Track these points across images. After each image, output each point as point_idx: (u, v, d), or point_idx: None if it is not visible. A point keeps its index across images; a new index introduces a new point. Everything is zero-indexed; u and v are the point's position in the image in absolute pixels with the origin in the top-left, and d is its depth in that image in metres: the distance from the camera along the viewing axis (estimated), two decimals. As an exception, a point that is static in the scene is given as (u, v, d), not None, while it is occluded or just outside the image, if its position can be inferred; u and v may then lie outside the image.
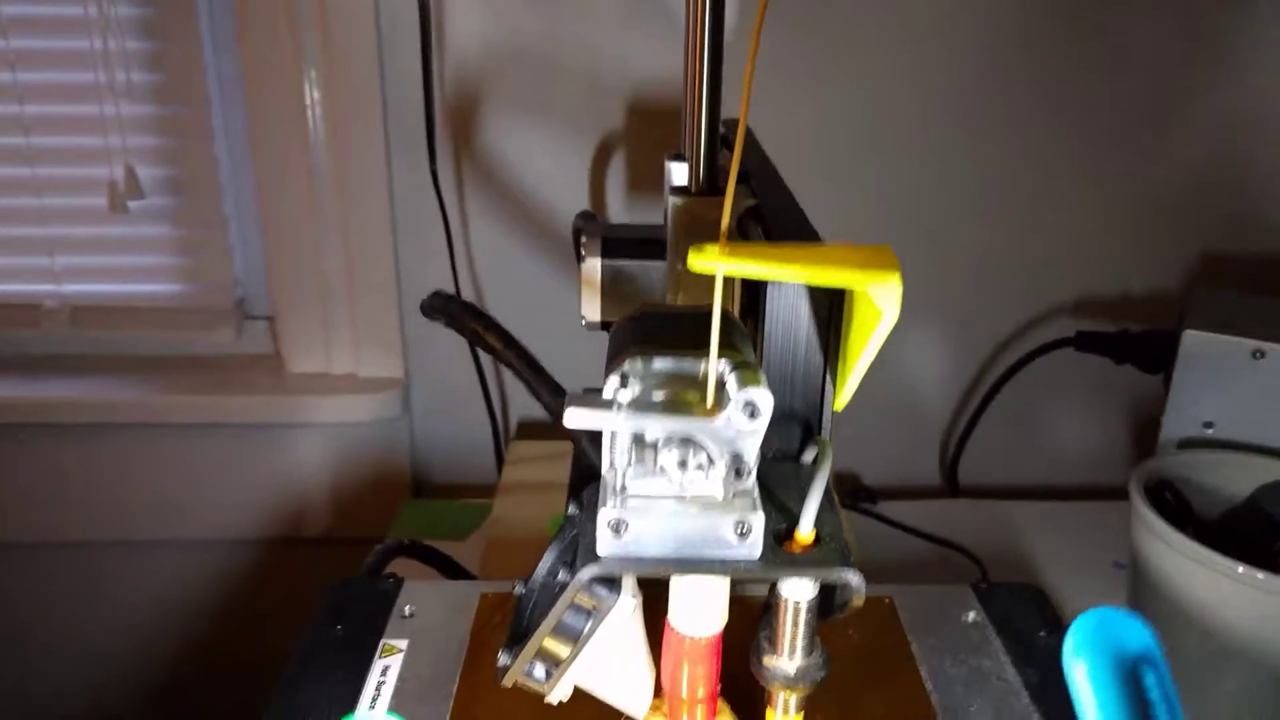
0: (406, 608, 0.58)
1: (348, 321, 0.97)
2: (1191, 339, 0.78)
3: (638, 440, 0.40)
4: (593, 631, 0.41)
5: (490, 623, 0.57)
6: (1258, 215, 0.95)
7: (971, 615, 0.58)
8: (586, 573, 0.39)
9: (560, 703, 0.43)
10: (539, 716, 0.50)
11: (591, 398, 0.39)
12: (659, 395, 0.40)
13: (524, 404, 1.01)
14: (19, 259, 0.97)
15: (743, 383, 0.38)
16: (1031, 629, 0.56)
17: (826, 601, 0.44)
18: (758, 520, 0.39)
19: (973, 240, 0.95)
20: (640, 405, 0.39)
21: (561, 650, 0.41)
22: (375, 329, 0.98)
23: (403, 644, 0.55)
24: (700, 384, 0.40)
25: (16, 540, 1.01)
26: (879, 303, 0.37)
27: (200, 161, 0.94)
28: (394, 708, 0.50)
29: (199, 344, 1.00)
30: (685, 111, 0.56)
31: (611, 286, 0.63)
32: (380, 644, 0.55)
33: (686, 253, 0.61)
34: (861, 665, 0.55)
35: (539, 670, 0.42)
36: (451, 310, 0.56)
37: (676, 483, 0.39)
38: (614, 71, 0.89)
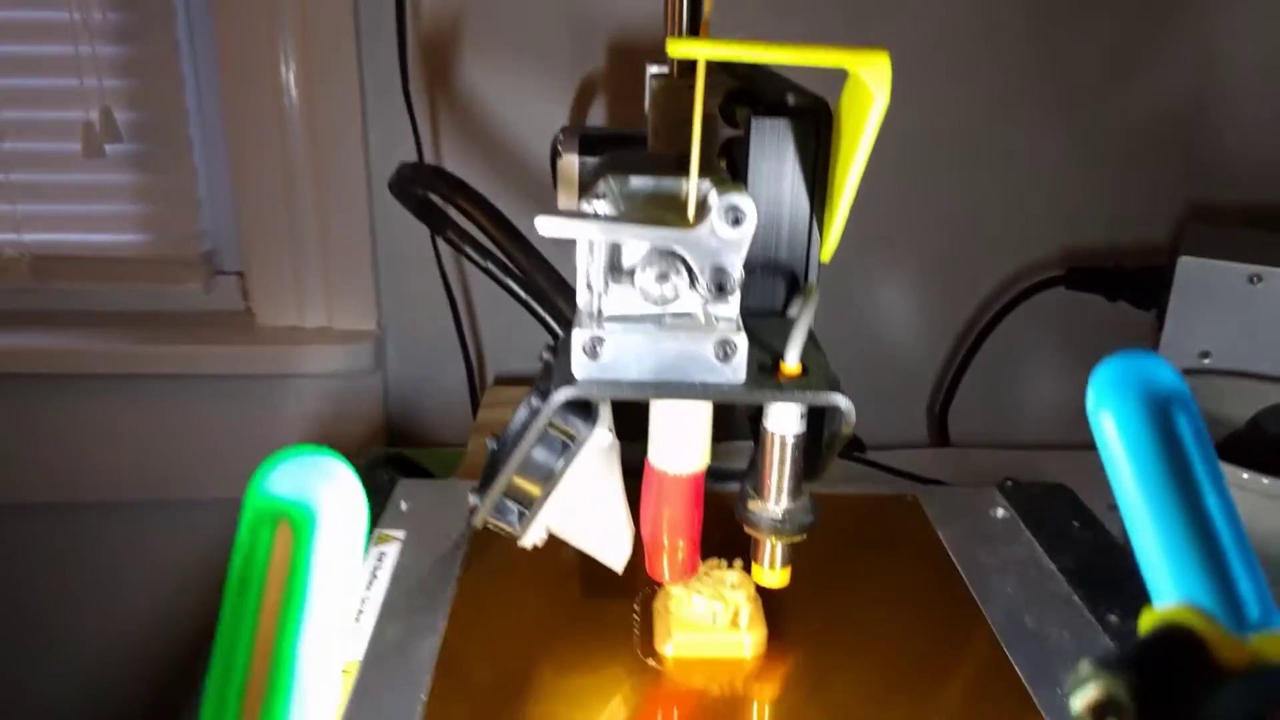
0: (403, 503, 0.55)
1: (320, 274, 0.94)
2: (1187, 265, 0.76)
3: (614, 267, 0.37)
4: (565, 468, 0.38)
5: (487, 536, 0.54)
6: (1241, 161, 0.94)
7: (1000, 512, 0.55)
8: (561, 395, 0.36)
9: (534, 546, 0.41)
10: (541, 605, 0.48)
11: (566, 210, 0.36)
12: (637, 214, 0.37)
13: (501, 358, 0.99)
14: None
15: (724, 193, 0.36)
16: (1063, 522, 0.54)
17: (813, 456, 0.42)
18: (741, 341, 0.36)
19: (957, 192, 0.94)
20: (618, 218, 0.36)
21: (533, 489, 0.39)
22: (349, 281, 0.95)
23: (400, 534, 0.52)
24: (680, 204, 0.38)
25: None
26: (870, 84, 0.34)
27: (169, 107, 0.92)
28: (391, 594, 0.47)
29: (166, 298, 0.97)
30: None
31: (589, 183, 0.61)
32: (376, 533, 0.52)
33: (668, 138, 0.59)
34: (889, 555, 0.53)
35: (513, 514, 0.39)
36: (422, 178, 0.53)
37: (655, 299, 0.36)
38: (595, 9, 0.88)
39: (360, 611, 0.45)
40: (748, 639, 0.43)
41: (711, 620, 0.42)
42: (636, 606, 0.46)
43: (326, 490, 0.22)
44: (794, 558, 0.41)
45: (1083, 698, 0.18)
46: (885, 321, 0.98)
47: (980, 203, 0.94)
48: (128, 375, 0.93)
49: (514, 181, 0.92)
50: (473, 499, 0.39)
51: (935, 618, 0.47)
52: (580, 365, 0.36)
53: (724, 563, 0.45)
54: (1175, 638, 0.19)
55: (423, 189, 0.55)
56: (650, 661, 0.43)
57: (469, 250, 0.59)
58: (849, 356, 0.96)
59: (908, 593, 0.50)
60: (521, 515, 0.39)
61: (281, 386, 0.95)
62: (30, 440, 0.96)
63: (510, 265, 0.61)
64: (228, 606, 0.22)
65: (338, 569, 0.21)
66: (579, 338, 0.36)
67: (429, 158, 0.92)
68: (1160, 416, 0.24)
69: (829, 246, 0.43)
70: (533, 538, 0.40)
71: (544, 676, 0.43)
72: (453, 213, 0.56)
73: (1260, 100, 0.91)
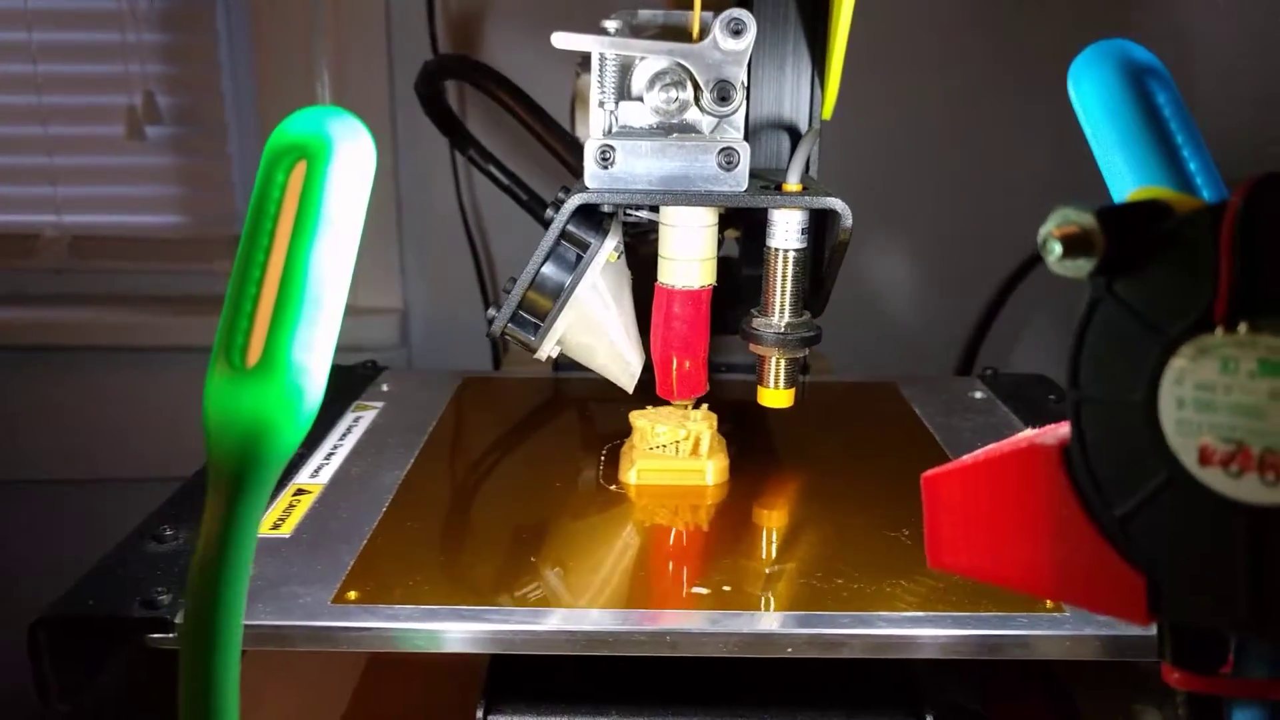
0: (384, 385, 0.56)
1: (347, 251, 0.97)
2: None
3: (625, 94, 0.39)
4: (578, 280, 0.39)
5: (466, 400, 0.56)
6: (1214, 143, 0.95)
7: (978, 394, 0.55)
8: (574, 200, 0.38)
9: (549, 357, 0.42)
10: (511, 450, 0.50)
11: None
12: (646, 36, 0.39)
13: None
14: (21, 188, 0.97)
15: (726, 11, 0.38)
16: (1041, 401, 0.54)
17: (817, 286, 0.43)
18: (744, 150, 0.38)
19: (966, 161, 0.95)
20: (627, 35, 0.38)
21: (547, 302, 0.40)
22: (374, 257, 0.97)
23: (378, 404, 0.53)
24: (686, 32, 0.39)
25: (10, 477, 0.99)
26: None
27: (207, 93, 0.96)
28: (362, 443, 0.48)
29: (198, 279, 1.00)
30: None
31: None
32: (355, 403, 0.53)
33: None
34: (862, 420, 0.54)
35: (530, 327, 0.40)
36: (461, 69, 0.55)
37: (664, 113, 0.38)
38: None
39: (330, 454, 0.46)
40: (709, 466, 0.44)
41: (674, 449, 0.43)
42: (604, 452, 0.48)
43: (340, 126, 0.23)
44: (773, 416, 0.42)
45: (1055, 225, 0.19)
46: (898, 295, 0.98)
47: (990, 171, 0.95)
48: (161, 348, 0.95)
49: (542, 157, 0.95)
50: (491, 311, 0.40)
51: (899, 461, 0.48)
52: (592, 175, 0.38)
53: (689, 403, 0.46)
54: (1143, 202, 0.20)
55: (449, 77, 0.57)
56: (612, 488, 0.44)
57: (492, 169, 0.61)
58: (863, 331, 0.96)
59: (877, 443, 0.51)
60: (537, 328, 0.40)
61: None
62: (65, 414, 0.98)
63: (528, 200, 0.63)
64: (244, 237, 0.23)
65: (350, 194, 0.23)
66: (591, 148, 0.37)
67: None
68: (1135, 81, 0.25)
69: (829, 102, 0.45)
70: (546, 350, 0.41)
71: (505, 501, 0.44)
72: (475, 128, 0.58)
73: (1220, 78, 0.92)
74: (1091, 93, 0.25)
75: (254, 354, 0.22)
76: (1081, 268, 0.19)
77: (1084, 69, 0.25)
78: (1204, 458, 0.18)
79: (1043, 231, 0.19)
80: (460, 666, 0.38)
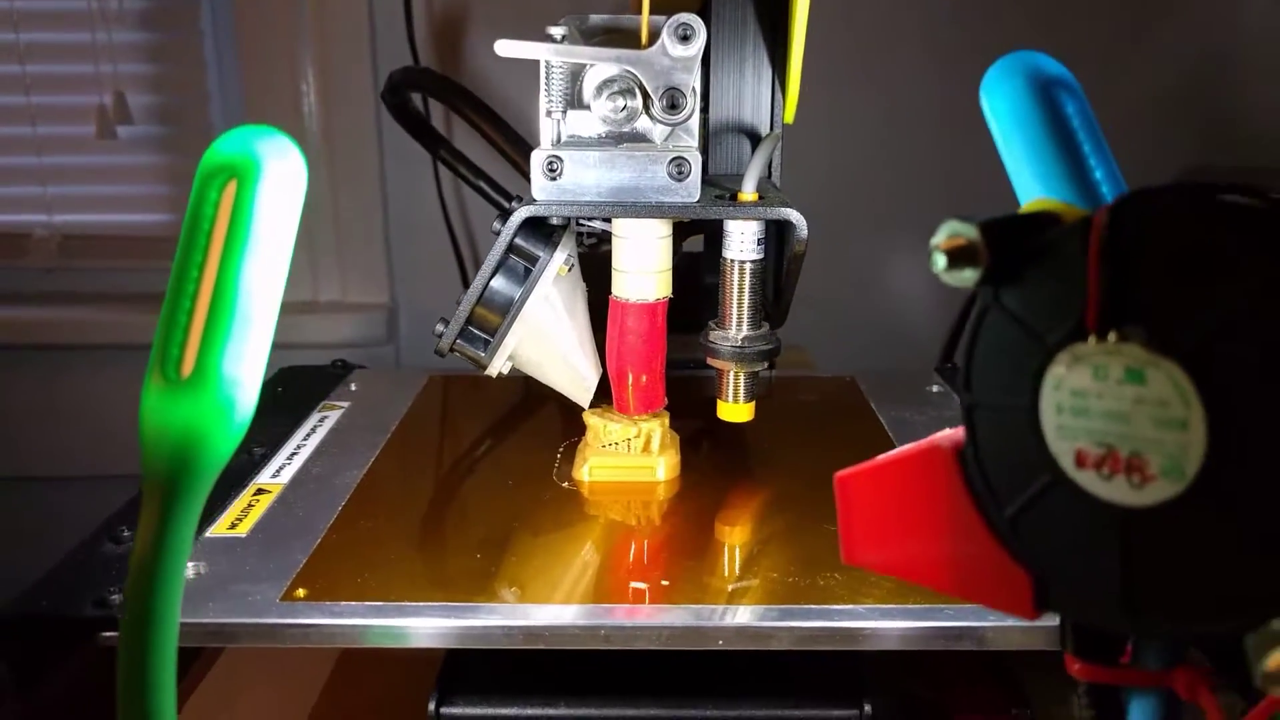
0: (352, 384, 0.57)
1: (334, 248, 0.98)
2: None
3: (574, 102, 0.40)
4: (527, 294, 0.40)
5: (431, 399, 0.57)
6: (1236, 127, 0.95)
7: (935, 388, 0.56)
8: (521, 213, 0.38)
9: (500, 374, 0.42)
10: (470, 451, 0.50)
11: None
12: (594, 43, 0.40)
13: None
14: (11, 188, 0.98)
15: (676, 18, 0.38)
16: None
17: (778, 300, 0.43)
18: (695, 159, 0.38)
19: (959, 154, 0.95)
20: (574, 42, 0.39)
21: (496, 318, 0.40)
22: (361, 254, 0.98)
23: (345, 404, 0.54)
24: (635, 37, 0.40)
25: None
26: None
27: (193, 91, 0.96)
28: (325, 443, 0.49)
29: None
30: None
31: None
32: (321, 403, 0.54)
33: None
34: (818, 415, 0.55)
35: (480, 343, 0.41)
36: (423, 82, 0.56)
37: (613, 122, 0.39)
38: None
39: (293, 454, 0.47)
40: (660, 463, 0.44)
41: (625, 446, 0.44)
42: (561, 449, 0.48)
43: (269, 146, 0.24)
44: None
45: (942, 237, 0.19)
46: (890, 288, 0.99)
47: (984, 165, 0.96)
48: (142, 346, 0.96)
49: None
50: (439, 327, 0.41)
51: (850, 455, 0.48)
52: (540, 187, 0.38)
53: None
54: (1033, 212, 0.21)
55: (413, 90, 0.58)
56: (565, 485, 0.45)
57: (462, 170, 0.61)
58: (854, 326, 0.97)
59: (830, 438, 0.52)
60: (486, 344, 0.41)
61: (297, 357, 0.97)
62: (52, 411, 0.99)
63: (497, 195, 0.64)
64: (178, 254, 0.24)
65: (279, 212, 0.23)
66: (538, 158, 0.38)
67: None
68: (1044, 93, 0.25)
69: (790, 106, 0.45)
70: (497, 366, 0.41)
71: (458, 499, 0.45)
72: (446, 129, 0.59)
73: (1264, 67, 0.93)
74: (1002, 105, 0.25)
75: (188, 366, 0.23)
76: (967, 278, 0.20)
77: (995, 82, 0.26)
78: (1080, 461, 0.19)
79: (931, 243, 0.20)
80: (421, 659, 0.39)
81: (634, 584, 0.36)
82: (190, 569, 0.37)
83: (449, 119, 0.94)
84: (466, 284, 0.97)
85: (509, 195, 0.60)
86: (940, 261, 0.20)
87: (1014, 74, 0.26)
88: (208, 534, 0.40)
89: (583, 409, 0.45)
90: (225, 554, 0.38)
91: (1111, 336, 0.18)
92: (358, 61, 0.93)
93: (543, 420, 0.54)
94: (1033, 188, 0.24)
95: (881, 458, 0.24)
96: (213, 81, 0.97)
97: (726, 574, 0.37)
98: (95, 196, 0.99)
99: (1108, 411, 0.18)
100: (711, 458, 0.48)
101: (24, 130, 0.96)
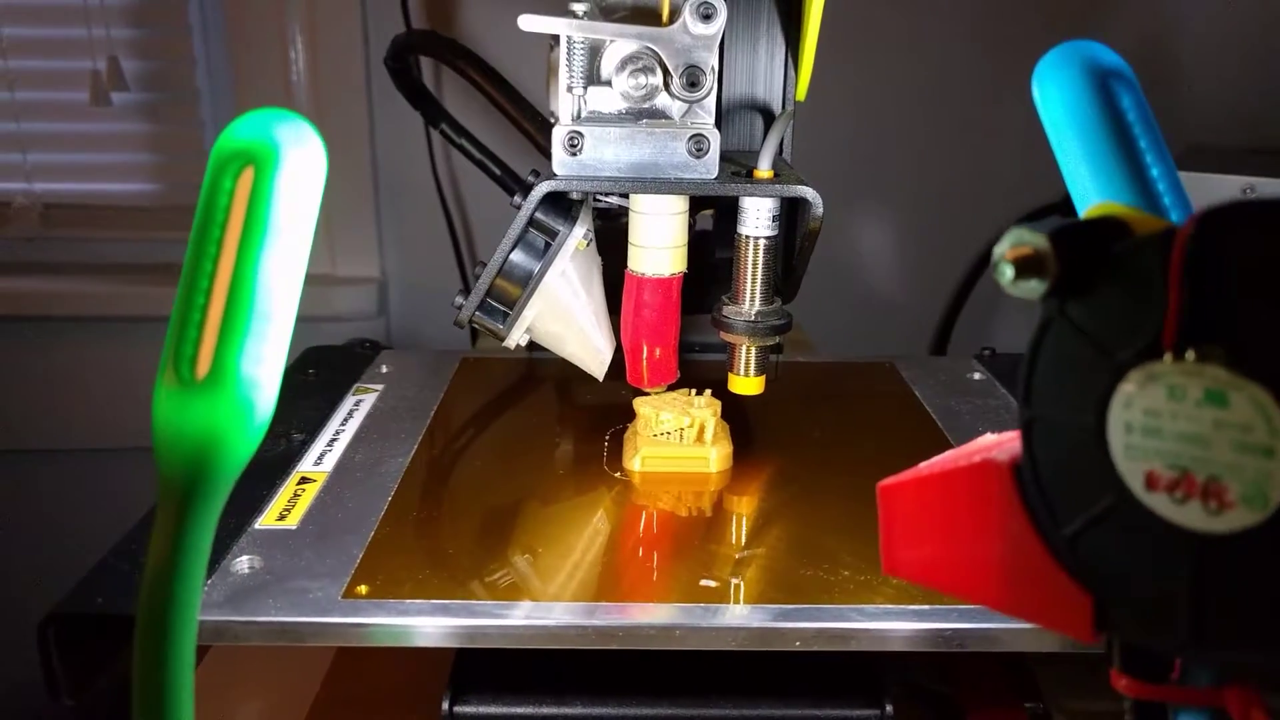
0: (383, 367, 0.56)
1: (323, 220, 0.96)
2: (1184, 180, 0.76)
3: (594, 79, 0.39)
4: (546, 267, 0.39)
5: (466, 382, 0.56)
6: (1187, 108, 0.94)
7: (977, 375, 0.55)
8: (542, 188, 0.37)
9: (517, 345, 0.41)
10: (514, 435, 0.49)
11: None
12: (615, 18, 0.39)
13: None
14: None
15: (697, -5, 0.37)
16: None
17: (790, 271, 0.42)
18: (714, 137, 0.37)
19: (950, 132, 0.94)
20: (595, 17, 0.37)
21: (515, 290, 0.39)
22: (352, 227, 0.96)
23: (378, 387, 0.53)
24: (655, 14, 0.39)
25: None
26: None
27: (178, 57, 0.94)
28: (364, 428, 0.48)
29: (171, 248, 0.98)
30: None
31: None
32: (355, 386, 0.53)
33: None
34: (861, 402, 0.54)
35: (498, 316, 0.40)
36: (430, 45, 0.54)
37: (633, 98, 0.37)
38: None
39: (333, 440, 0.46)
40: (713, 453, 0.44)
41: (678, 436, 0.43)
42: (608, 437, 0.47)
43: (288, 131, 0.22)
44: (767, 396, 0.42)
45: (1009, 246, 0.19)
46: (876, 271, 0.98)
47: (973, 142, 0.95)
48: (135, 317, 0.95)
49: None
50: (459, 298, 0.40)
51: (901, 445, 0.47)
52: (560, 162, 0.37)
53: (693, 391, 0.46)
54: (1100, 218, 0.20)
55: (419, 53, 0.56)
56: (617, 475, 0.44)
57: (464, 143, 0.60)
58: (846, 304, 0.96)
59: (877, 426, 0.51)
60: (505, 316, 0.40)
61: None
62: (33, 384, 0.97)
63: (498, 172, 0.62)
64: (191, 245, 0.22)
65: (299, 201, 0.22)
66: (559, 134, 0.37)
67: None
68: (1101, 85, 0.24)
69: (803, 84, 0.44)
70: (515, 338, 0.41)
71: (509, 487, 0.44)
72: (447, 101, 0.57)
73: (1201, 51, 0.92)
74: (1055, 97, 0.24)
75: (203, 367, 0.22)
76: (1034, 289, 0.19)
77: (1048, 72, 0.25)
78: (1150, 483, 0.18)
79: (996, 253, 0.19)
80: (430, 654, 0.38)
81: (704, 581, 0.35)
82: (245, 562, 0.36)
83: (442, 90, 0.92)
84: (459, 257, 0.96)
85: (513, 173, 0.58)
86: (1008, 273, 0.19)
87: (1069, 64, 0.25)
88: (257, 525, 0.39)
89: (622, 392, 0.43)
90: (279, 547, 0.37)
91: (1190, 356, 0.17)
92: (348, 28, 0.90)
93: (582, 406, 0.53)
94: (1087, 185, 0.23)
95: (926, 466, 0.23)
96: (199, 48, 0.95)
97: (761, 570, 0.36)
98: (77, 165, 0.97)
99: (1183, 434, 0.18)
100: (760, 447, 0.47)
101: (2, 96, 0.93)
